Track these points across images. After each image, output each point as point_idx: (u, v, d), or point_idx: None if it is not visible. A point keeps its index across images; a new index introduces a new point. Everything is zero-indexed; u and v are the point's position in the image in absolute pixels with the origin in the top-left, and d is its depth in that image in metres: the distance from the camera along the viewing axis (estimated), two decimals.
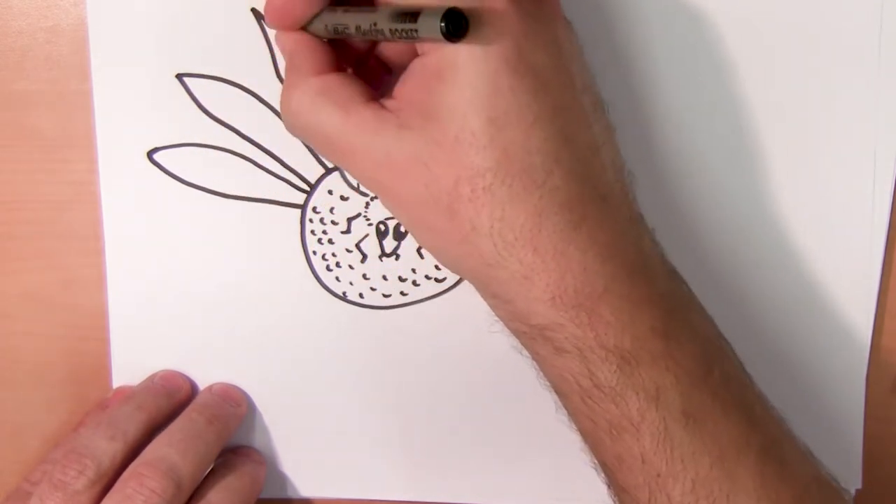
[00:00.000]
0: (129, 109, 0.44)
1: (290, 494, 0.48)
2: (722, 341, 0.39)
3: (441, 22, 0.33)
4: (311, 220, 0.45)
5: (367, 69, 0.41)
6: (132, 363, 0.46)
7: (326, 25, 0.38)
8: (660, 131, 0.45)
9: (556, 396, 0.38)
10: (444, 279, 0.46)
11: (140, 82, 0.44)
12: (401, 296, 0.46)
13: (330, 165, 0.45)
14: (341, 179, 0.45)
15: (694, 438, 0.36)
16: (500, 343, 0.45)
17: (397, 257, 0.46)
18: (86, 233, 0.46)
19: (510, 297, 0.36)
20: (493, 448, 0.48)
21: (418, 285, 0.46)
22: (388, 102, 0.37)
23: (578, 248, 0.35)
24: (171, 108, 0.44)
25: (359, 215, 0.45)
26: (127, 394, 0.45)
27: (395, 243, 0.46)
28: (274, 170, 0.45)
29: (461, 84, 0.35)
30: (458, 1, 0.34)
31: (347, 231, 0.46)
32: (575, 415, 0.38)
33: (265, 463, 0.47)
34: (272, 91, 0.44)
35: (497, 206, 0.35)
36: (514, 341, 0.39)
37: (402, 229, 0.46)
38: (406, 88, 0.37)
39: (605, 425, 0.36)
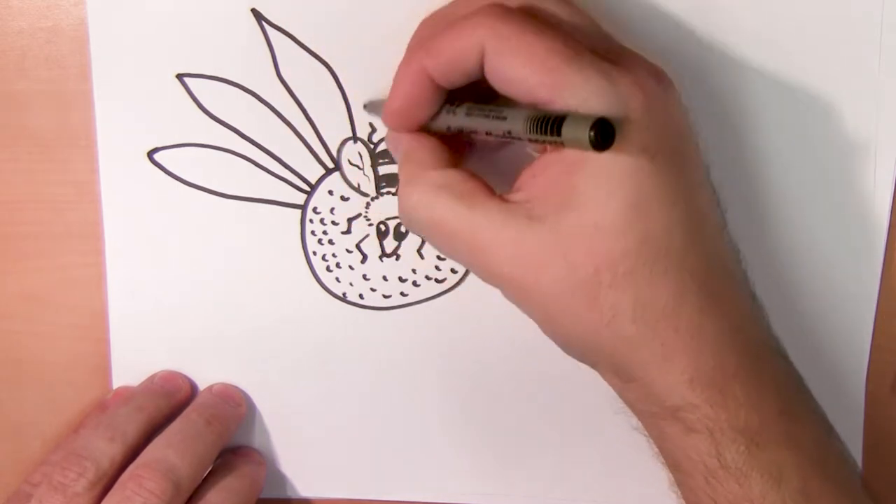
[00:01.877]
0: (129, 109, 0.44)
1: (290, 494, 0.48)
2: (828, 422, 0.39)
3: (590, 132, 0.32)
4: (311, 221, 0.45)
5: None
6: (132, 363, 0.46)
7: (450, 126, 0.38)
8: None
9: (672, 473, 0.38)
10: (445, 280, 0.46)
11: (140, 82, 0.44)
12: (401, 296, 0.46)
13: (330, 165, 0.45)
14: (341, 180, 0.45)
15: None
16: (500, 344, 0.46)
17: (398, 258, 0.46)
18: (86, 233, 0.46)
19: (649, 379, 0.36)
20: (493, 448, 0.48)
21: (418, 286, 0.46)
22: (513, 196, 0.37)
23: (714, 327, 0.36)
24: (171, 108, 0.44)
25: (359, 216, 0.45)
26: (126, 394, 0.45)
27: (396, 244, 0.46)
28: (274, 170, 0.45)
29: (601, 173, 0.35)
30: (601, 104, 0.34)
31: (348, 231, 0.46)
32: (694, 492, 0.38)
33: (265, 463, 0.47)
34: (272, 91, 0.44)
35: (639, 290, 0.35)
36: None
37: (403, 229, 0.45)
38: (538, 180, 0.36)
39: None
